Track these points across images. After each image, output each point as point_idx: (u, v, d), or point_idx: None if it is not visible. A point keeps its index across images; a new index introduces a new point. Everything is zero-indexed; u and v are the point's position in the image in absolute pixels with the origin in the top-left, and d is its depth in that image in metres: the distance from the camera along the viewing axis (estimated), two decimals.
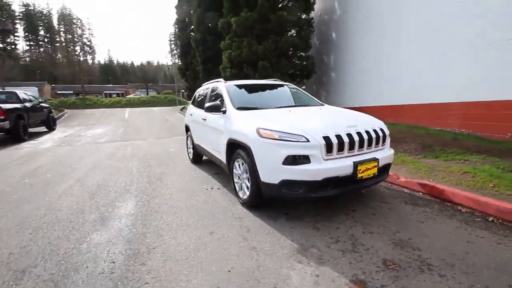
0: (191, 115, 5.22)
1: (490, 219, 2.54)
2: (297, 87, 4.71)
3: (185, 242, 2.36)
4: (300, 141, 2.47)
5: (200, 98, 5.04)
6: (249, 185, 2.93)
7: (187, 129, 5.67)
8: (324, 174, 2.45)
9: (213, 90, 4.45)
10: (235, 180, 3.32)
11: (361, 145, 2.66)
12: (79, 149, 7.59)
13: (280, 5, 10.57)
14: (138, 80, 71.35)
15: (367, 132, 2.71)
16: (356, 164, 2.53)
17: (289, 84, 4.77)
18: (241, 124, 3.10)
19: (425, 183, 3.27)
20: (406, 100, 7.25)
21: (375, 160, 2.66)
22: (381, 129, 2.89)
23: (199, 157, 5.39)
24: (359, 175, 2.55)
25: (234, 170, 3.30)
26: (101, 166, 5.44)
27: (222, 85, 4.06)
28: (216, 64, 14.27)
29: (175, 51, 61.29)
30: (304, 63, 11.04)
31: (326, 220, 2.69)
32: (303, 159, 2.47)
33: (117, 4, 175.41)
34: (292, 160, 2.48)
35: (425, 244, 2.18)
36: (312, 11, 10.97)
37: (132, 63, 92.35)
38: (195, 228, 2.63)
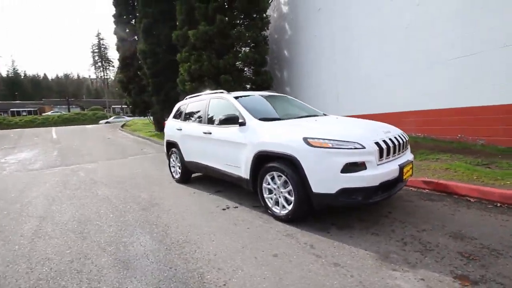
0: (179, 129, 4.72)
1: (498, 204, 3.01)
2: (293, 98, 4.79)
3: (257, 271, 2.03)
4: (356, 148, 2.48)
5: (193, 112, 4.62)
6: (292, 198, 2.76)
7: (171, 146, 5.10)
8: (380, 179, 2.50)
9: (215, 102, 4.14)
10: (265, 195, 3.10)
11: (399, 149, 2.84)
12: (10, 180, 5.97)
13: (239, 21, 10.76)
14: (56, 96, 61.61)
15: (400, 137, 2.92)
16: (401, 167, 2.68)
17: (286, 95, 4.82)
18: (276, 135, 2.92)
19: (430, 181, 3.67)
20: (365, 111, 8.14)
21: (411, 161, 2.87)
22: (403, 134, 3.15)
23: (188, 176, 4.88)
24: (404, 177, 2.71)
25: (264, 184, 3.08)
26: (61, 198, 4.37)
27: (230, 97, 3.81)
28: (169, 77, 13.48)
29: (99, 63, 55.62)
30: (263, 77, 11.38)
31: (375, 225, 2.71)
32: (359, 166, 2.48)
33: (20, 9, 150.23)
34: (349, 168, 2.46)
35: (475, 233, 2.40)
36: (267, 29, 11.50)
37: (45, 76, 79.49)
38: (253, 253, 2.30)
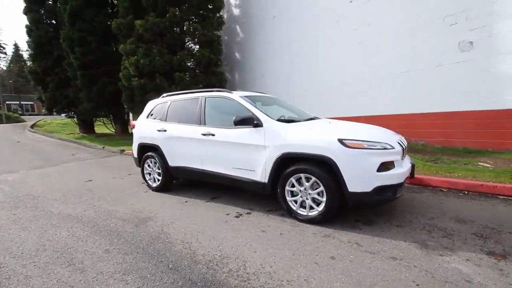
0: (162, 131, 4.15)
1: (466, 192, 3.73)
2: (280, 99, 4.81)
3: (330, 277, 1.93)
4: (388, 149, 2.67)
5: (180, 111, 4.13)
6: (323, 199, 2.77)
7: (146, 149, 4.45)
8: (404, 176, 2.77)
9: (214, 102, 3.81)
10: (288, 198, 3.02)
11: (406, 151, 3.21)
12: None
13: (193, 17, 10.18)
14: None
15: (403, 140, 3.30)
16: (413, 165, 3.03)
17: (273, 96, 4.80)
18: (305, 136, 2.89)
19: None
20: (322, 115, 8.84)
21: (413, 163, 3.27)
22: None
23: (169, 184, 4.35)
24: (414, 175, 3.08)
25: (287, 187, 3.00)
26: (1, 223, 3.29)
27: (236, 96, 3.56)
28: (106, 71, 11.69)
29: None
30: (218, 78, 11.07)
31: (393, 218, 2.94)
32: (390, 165, 2.69)
33: None
34: (383, 166, 2.64)
35: (470, 217, 2.88)
36: (221, 29, 11.26)
37: None
38: (310, 259, 2.18)
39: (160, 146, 4.17)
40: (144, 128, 4.50)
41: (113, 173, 6.00)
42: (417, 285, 1.85)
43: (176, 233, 2.84)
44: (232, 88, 12.38)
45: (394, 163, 2.71)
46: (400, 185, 2.73)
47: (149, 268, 2.20)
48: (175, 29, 10.00)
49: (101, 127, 15.44)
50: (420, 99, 6.28)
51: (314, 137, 2.84)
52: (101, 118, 13.79)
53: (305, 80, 9.28)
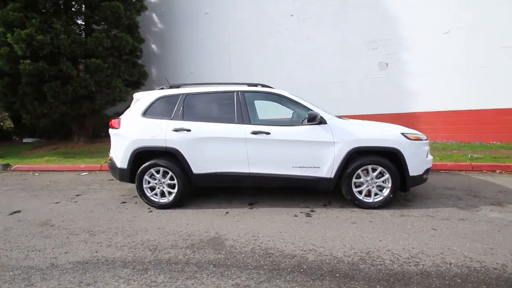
0: (184, 131, 3.31)
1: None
2: None
3: (457, 243, 2.36)
4: (427, 140, 3.41)
5: (205, 107, 3.49)
6: (389, 185, 3.19)
7: (149, 156, 3.45)
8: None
9: (257, 97, 3.49)
10: (355, 189, 3.26)
11: None
12: None
13: None
14: None
15: None
16: None
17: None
18: (373, 132, 3.23)
19: None
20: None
21: None
22: None
23: (185, 196, 3.56)
24: None
25: (355, 179, 3.23)
26: None
27: (288, 93, 3.40)
28: None
29: None
30: (140, 70, 9.42)
31: (429, 196, 3.76)
32: (428, 152, 3.44)
33: None
34: (427, 153, 3.36)
35: (468, 186, 4.11)
36: (142, 13, 9.62)
37: None
38: (421, 234, 2.52)
39: (181, 150, 3.33)
40: (144, 128, 3.43)
41: (48, 198, 4.16)
42: (473, 231, 2.58)
43: (273, 243, 2.50)
44: (150, 84, 10.84)
45: (428, 151, 3.53)
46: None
47: (311, 282, 1.92)
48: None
49: None
50: (351, 104, 7.90)
51: (382, 132, 3.24)
52: None
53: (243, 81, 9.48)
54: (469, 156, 5.58)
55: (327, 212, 3.21)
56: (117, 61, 8.20)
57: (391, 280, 1.95)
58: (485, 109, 6.50)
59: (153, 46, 11.34)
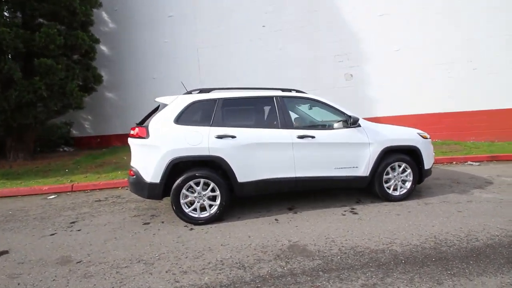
0: (229, 137, 3.09)
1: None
2: None
3: (483, 220, 2.89)
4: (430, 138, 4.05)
5: (241, 113, 3.37)
6: (411, 178, 3.65)
7: (188, 167, 3.11)
8: None
9: (296, 102, 3.64)
10: (385, 185, 3.62)
11: None
12: None
13: None
14: None
15: None
16: None
17: None
18: (398, 132, 3.67)
19: None
20: None
21: None
22: None
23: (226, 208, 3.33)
24: None
25: (385, 176, 3.58)
26: None
27: (324, 99, 3.56)
28: None
29: None
30: (93, 74, 8.20)
31: (438, 188, 4.38)
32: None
33: None
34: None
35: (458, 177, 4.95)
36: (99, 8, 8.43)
37: None
38: (454, 218, 2.98)
39: (225, 158, 3.10)
40: (181, 136, 3.06)
41: (33, 230, 3.28)
42: (486, 210, 3.29)
43: (352, 241, 2.60)
44: (101, 90, 9.55)
45: None
46: None
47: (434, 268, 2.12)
48: None
49: None
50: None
51: (404, 132, 3.71)
52: None
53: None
54: None
55: (367, 209, 3.47)
56: (69, 62, 6.96)
57: (474, 255, 2.29)
58: (427, 114, 8.00)
59: (103, 47, 10.01)
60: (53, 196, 4.71)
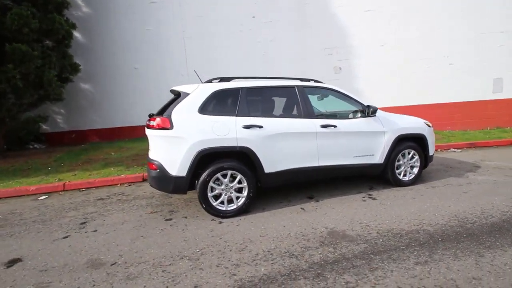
0: (256, 127, 3.01)
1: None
2: None
3: (490, 202, 3.17)
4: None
5: (268, 101, 3.36)
6: (418, 164, 3.88)
7: (215, 158, 2.99)
8: None
9: (317, 93, 3.71)
10: (397, 171, 3.82)
11: None
12: None
13: None
14: None
15: None
16: None
17: None
18: (408, 121, 3.86)
19: None
20: None
21: None
22: None
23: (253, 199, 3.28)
24: None
25: (397, 163, 3.78)
26: None
27: (341, 89, 3.60)
28: None
29: None
30: (70, 62, 7.47)
31: (438, 175, 4.69)
32: None
33: None
34: None
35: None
36: None
37: None
38: (466, 200, 3.25)
39: (253, 149, 3.03)
40: (208, 127, 2.93)
41: (39, 234, 2.96)
42: (486, 190, 3.65)
43: (386, 225, 2.72)
44: (77, 80, 8.77)
45: None
46: None
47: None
48: None
49: None
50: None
51: (413, 121, 3.93)
52: None
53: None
54: None
55: (383, 194, 3.64)
56: (44, 49, 6.26)
57: (496, 229, 2.53)
58: (408, 105, 8.52)
59: (76, 34, 9.11)
60: (44, 197, 4.25)
